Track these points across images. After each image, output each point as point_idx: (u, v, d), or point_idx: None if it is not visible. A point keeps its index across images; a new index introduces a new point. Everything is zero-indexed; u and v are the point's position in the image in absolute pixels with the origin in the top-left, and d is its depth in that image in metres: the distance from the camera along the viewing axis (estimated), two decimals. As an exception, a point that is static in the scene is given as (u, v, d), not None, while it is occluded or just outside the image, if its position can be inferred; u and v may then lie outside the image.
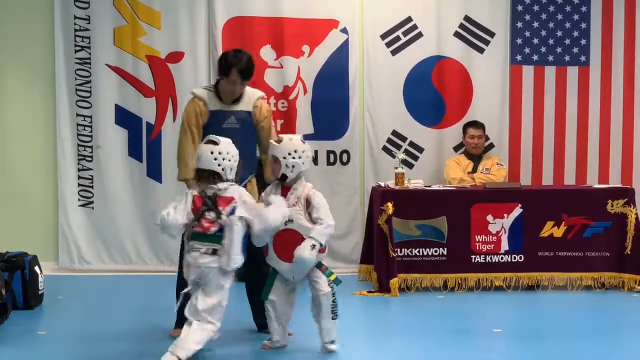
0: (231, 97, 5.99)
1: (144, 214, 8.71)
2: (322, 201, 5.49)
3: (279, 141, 5.52)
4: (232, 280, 5.30)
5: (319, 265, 5.52)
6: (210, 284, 5.21)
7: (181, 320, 5.42)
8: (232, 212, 5.21)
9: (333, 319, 5.53)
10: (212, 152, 5.27)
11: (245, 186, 5.94)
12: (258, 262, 5.76)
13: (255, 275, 5.94)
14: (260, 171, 6.22)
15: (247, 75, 5.95)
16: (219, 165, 5.26)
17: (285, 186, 5.52)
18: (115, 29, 8.63)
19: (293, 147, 5.46)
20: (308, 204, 5.45)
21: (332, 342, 5.56)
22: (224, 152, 5.28)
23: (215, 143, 5.30)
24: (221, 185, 5.27)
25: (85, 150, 8.66)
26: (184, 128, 6.00)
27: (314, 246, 5.36)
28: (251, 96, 6.09)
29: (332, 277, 5.53)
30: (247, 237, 5.38)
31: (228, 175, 5.30)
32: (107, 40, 8.61)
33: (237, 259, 5.23)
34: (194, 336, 5.13)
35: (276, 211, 5.30)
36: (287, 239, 5.42)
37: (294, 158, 5.44)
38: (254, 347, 5.73)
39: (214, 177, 5.28)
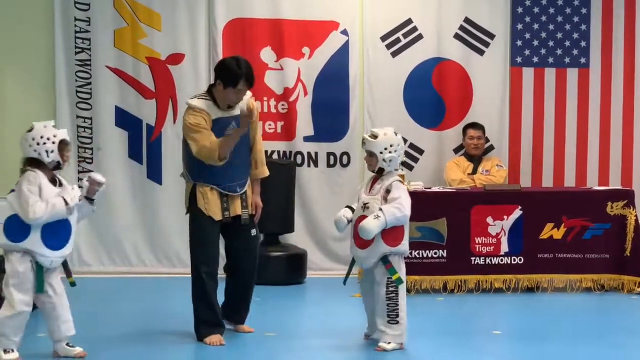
0: (231, 104, 5.85)
1: (144, 215, 8.70)
2: (403, 194, 5.55)
3: (374, 136, 5.59)
4: (21, 262, 5.23)
5: (385, 261, 5.55)
6: None
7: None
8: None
9: (389, 322, 5.57)
10: (26, 140, 5.29)
11: (245, 190, 5.95)
12: (247, 258, 5.95)
13: (241, 267, 6.02)
14: None
15: (253, 82, 5.86)
16: (34, 150, 5.26)
17: (377, 177, 5.68)
18: (116, 30, 8.64)
19: (389, 141, 5.56)
20: (388, 192, 5.54)
21: (388, 343, 5.59)
22: (37, 137, 5.25)
23: (29, 130, 5.30)
24: (23, 169, 5.36)
25: (85, 152, 8.66)
26: (191, 129, 5.75)
27: (377, 217, 5.42)
28: (244, 97, 5.97)
29: (395, 277, 5.53)
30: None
31: (46, 159, 5.25)
32: (107, 42, 8.62)
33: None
34: None
35: (38, 200, 5.21)
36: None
37: (390, 152, 5.56)
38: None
39: (36, 163, 5.29)
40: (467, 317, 6.97)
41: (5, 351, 5.25)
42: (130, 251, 8.70)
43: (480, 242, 7.72)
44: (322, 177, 8.73)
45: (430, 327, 6.47)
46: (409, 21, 8.83)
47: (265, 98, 8.68)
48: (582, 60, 8.90)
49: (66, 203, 5.21)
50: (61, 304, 5.41)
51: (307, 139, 8.76)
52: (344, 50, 8.78)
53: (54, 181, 5.34)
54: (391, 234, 5.51)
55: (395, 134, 5.65)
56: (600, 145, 8.94)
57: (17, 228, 5.21)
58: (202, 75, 8.64)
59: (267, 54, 8.69)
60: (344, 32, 8.77)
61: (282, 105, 8.72)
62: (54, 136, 5.26)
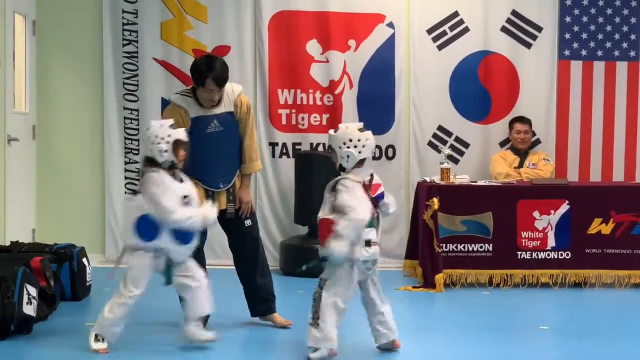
0: (210, 103, 5.86)
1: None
2: (346, 195, 5.09)
3: (336, 130, 5.28)
4: (146, 259, 5.36)
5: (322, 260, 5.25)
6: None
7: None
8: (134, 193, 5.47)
9: (310, 324, 5.17)
10: (143, 140, 5.58)
11: (233, 185, 5.99)
12: (245, 247, 6.01)
13: (244, 254, 6.08)
14: None
15: (223, 82, 5.80)
16: (150, 150, 5.35)
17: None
18: (163, 22, 8.68)
19: (348, 136, 5.18)
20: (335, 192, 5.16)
21: (313, 350, 5.16)
22: (152, 137, 5.32)
23: (148, 129, 5.41)
24: (144, 170, 5.45)
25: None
26: None
27: (339, 237, 5.02)
28: (230, 95, 5.96)
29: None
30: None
31: (160, 159, 5.30)
32: (154, 34, 8.67)
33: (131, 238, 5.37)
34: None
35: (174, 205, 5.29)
36: (320, 225, 5.27)
37: (348, 147, 5.16)
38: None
39: (153, 162, 5.37)
40: (514, 312, 6.93)
41: (96, 337, 5.34)
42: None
43: (526, 236, 7.67)
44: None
45: (476, 321, 6.45)
46: (456, 14, 8.78)
47: (310, 90, 8.68)
48: (632, 53, 8.80)
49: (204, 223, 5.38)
50: (201, 288, 5.52)
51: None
52: (389, 43, 8.76)
53: (174, 178, 5.40)
54: (324, 233, 5.14)
55: (361, 130, 5.21)
56: (650, 139, 8.86)
57: (149, 228, 5.31)
58: (248, 67, 8.66)
59: (313, 47, 8.69)
60: (390, 25, 8.75)
61: (328, 97, 8.72)
62: (168, 136, 5.32)
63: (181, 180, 5.42)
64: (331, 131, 5.28)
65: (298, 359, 5.28)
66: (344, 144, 5.18)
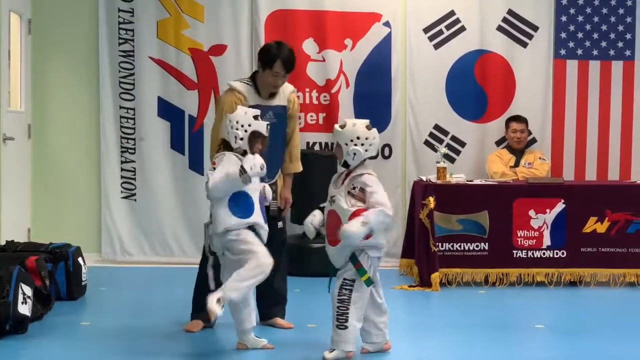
0: (272, 90, 5.88)
1: (186, 206, 8.75)
2: (380, 190, 5.09)
3: (343, 126, 5.19)
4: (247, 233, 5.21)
5: (354, 260, 5.09)
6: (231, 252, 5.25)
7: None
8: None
9: (338, 327, 5.09)
10: (226, 121, 5.31)
11: (276, 181, 5.94)
12: (272, 249, 5.73)
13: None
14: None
15: (290, 67, 5.84)
16: (227, 133, 5.27)
17: (349, 171, 5.21)
18: (159, 21, 8.68)
19: (355, 133, 5.11)
20: (353, 187, 5.08)
21: (331, 351, 5.14)
22: (233, 121, 5.25)
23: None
24: (217, 153, 5.34)
25: (128, 142, 8.72)
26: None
27: (364, 223, 4.92)
28: (285, 90, 6.00)
29: (364, 278, 5.07)
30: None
31: (234, 144, 5.24)
32: (150, 33, 8.66)
33: (223, 220, 5.18)
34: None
35: (220, 170, 5.16)
36: (329, 221, 5.19)
37: (355, 145, 5.10)
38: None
39: (228, 145, 5.29)
40: (509, 311, 6.94)
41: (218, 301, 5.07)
42: (172, 241, 8.75)
43: (522, 235, 7.68)
44: (364, 168, 8.70)
45: (472, 320, 6.45)
46: (452, 13, 8.78)
47: (307, 89, 8.69)
48: (628, 53, 8.80)
49: (243, 171, 5.08)
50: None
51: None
52: (386, 42, 8.76)
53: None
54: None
55: (368, 128, 5.18)
56: (645, 138, 8.86)
57: (244, 204, 5.23)
58: (245, 67, 8.66)
59: (309, 46, 8.69)
60: (387, 24, 8.75)
61: (324, 96, 8.72)
62: (249, 125, 5.25)
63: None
64: (337, 126, 5.23)
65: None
66: (351, 141, 5.11)
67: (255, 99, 5.85)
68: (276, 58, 5.78)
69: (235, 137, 5.24)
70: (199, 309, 5.74)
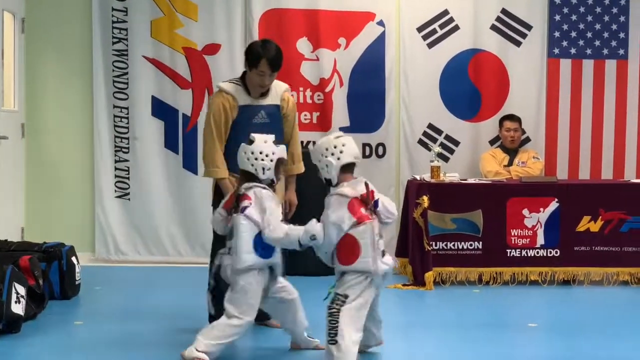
0: (260, 90, 5.79)
1: (180, 205, 8.74)
2: (327, 211, 4.97)
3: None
4: (258, 278, 5.12)
5: (338, 278, 5.00)
6: (232, 282, 5.15)
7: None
8: (243, 210, 5.08)
9: (329, 342, 4.86)
10: (245, 152, 5.15)
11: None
12: None
13: None
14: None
15: (276, 66, 5.73)
16: (252, 165, 5.13)
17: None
18: (153, 21, 8.67)
19: (324, 146, 5.01)
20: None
21: None
22: (257, 152, 5.12)
23: (250, 142, 5.17)
24: (247, 184, 5.16)
25: (122, 141, 8.71)
26: (210, 124, 5.74)
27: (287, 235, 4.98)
28: (278, 89, 5.90)
29: (329, 290, 4.99)
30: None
31: (261, 175, 5.13)
32: (144, 32, 8.66)
33: (245, 258, 5.05)
34: (216, 331, 5.08)
35: (278, 225, 5.04)
36: None
37: (326, 157, 4.97)
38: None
39: (250, 176, 5.17)
40: (503, 310, 6.95)
41: (197, 351, 5.06)
42: (166, 241, 8.74)
43: (516, 234, 7.69)
44: (358, 167, 8.64)
45: (466, 319, 6.46)
46: (446, 12, 8.79)
47: (301, 88, 8.68)
48: (621, 51, 8.81)
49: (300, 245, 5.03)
50: (294, 300, 5.38)
51: (342, 129, 8.70)
52: (380, 41, 8.76)
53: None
54: (343, 250, 4.91)
55: (337, 137, 5.03)
56: (639, 137, 8.85)
57: (264, 243, 5.10)
58: (238, 66, 8.61)
59: (303, 45, 8.69)
60: (380, 23, 8.75)
61: (318, 95, 8.72)
62: (273, 153, 5.15)
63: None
64: (310, 146, 5.14)
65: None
66: (322, 155, 5.00)
67: (245, 98, 5.77)
68: (261, 57, 5.68)
69: (263, 168, 5.13)
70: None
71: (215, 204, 5.80)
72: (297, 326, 5.42)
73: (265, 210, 5.05)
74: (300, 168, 6.04)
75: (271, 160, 5.15)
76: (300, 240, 4.96)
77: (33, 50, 8.65)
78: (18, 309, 5.74)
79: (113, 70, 8.66)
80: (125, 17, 8.64)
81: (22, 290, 5.83)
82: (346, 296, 4.88)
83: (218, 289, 5.31)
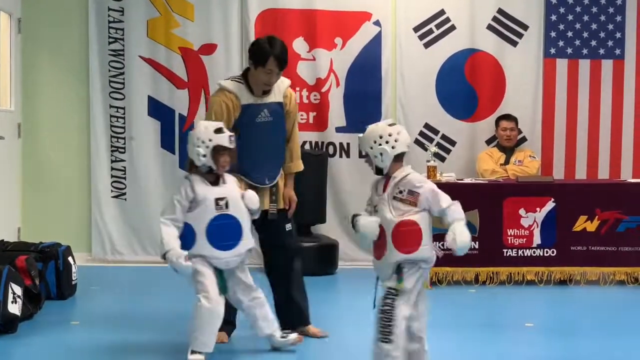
0: (265, 88, 5.56)
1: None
2: (431, 186, 4.64)
3: (364, 132, 4.74)
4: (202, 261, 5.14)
5: (398, 271, 4.57)
6: None
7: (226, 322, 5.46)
8: None
9: (382, 340, 4.53)
10: (189, 139, 5.20)
11: (276, 184, 5.70)
12: (282, 254, 5.73)
13: (277, 265, 5.79)
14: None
15: (284, 64, 5.53)
16: (191, 152, 5.15)
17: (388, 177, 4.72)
18: (149, 20, 8.67)
19: (377, 133, 4.63)
20: (400, 192, 4.60)
21: None
22: (194, 138, 5.13)
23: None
24: (186, 174, 5.26)
25: (118, 141, 8.71)
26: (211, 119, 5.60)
27: (462, 223, 4.63)
28: (280, 85, 5.67)
29: (400, 286, 4.55)
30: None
31: (197, 162, 5.12)
32: (140, 32, 8.66)
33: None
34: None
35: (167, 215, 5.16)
36: None
37: (380, 145, 4.60)
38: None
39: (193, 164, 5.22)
40: (499, 309, 6.95)
41: (192, 352, 5.10)
42: (162, 241, 8.72)
43: (512, 234, 7.69)
44: (354, 167, 8.72)
45: (462, 318, 6.46)
46: (442, 12, 8.79)
47: (297, 88, 8.66)
48: (617, 51, 8.82)
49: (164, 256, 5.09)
50: (254, 304, 5.32)
51: (339, 129, 8.76)
52: (376, 41, 8.76)
53: (217, 182, 5.20)
54: (401, 237, 4.56)
55: (391, 125, 4.70)
56: (635, 137, 8.86)
57: (186, 234, 5.14)
58: (235, 65, 8.65)
59: (299, 45, 8.69)
60: (377, 23, 8.75)
61: (315, 95, 8.72)
62: (210, 140, 5.09)
63: (224, 183, 5.21)
64: (359, 135, 4.80)
65: None
66: (375, 142, 4.62)
67: (248, 97, 5.56)
68: (269, 55, 5.46)
69: (198, 154, 5.10)
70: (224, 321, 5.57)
71: None
72: (262, 329, 5.37)
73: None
74: (299, 166, 5.85)
75: (207, 147, 5.09)
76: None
77: (29, 50, 8.64)
78: (14, 309, 5.73)
79: (109, 70, 8.66)
80: (122, 17, 8.64)
81: (18, 290, 5.83)
82: (398, 290, 4.57)
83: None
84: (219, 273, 5.19)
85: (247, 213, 5.23)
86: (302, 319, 5.79)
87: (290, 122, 5.77)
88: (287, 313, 5.74)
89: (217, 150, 5.10)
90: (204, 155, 5.09)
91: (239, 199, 5.21)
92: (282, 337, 5.40)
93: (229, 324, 5.61)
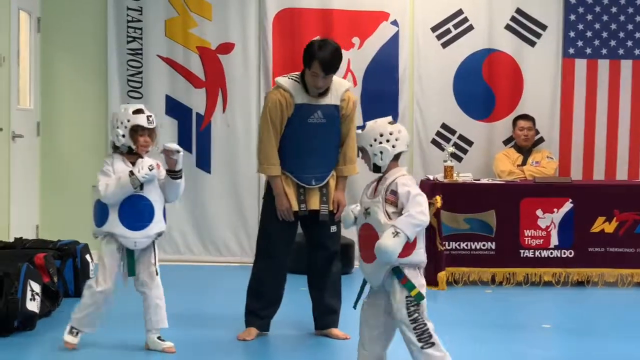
0: (317, 90, 5.52)
1: (192, 204, 8.75)
2: (413, 190, 4.46)
3: (364, 128, 4.68)
4: (108, 247, 5.31)
5: (399, 275, 4.43)
6: None
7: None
8: None
9: (424, 347, 4.42)
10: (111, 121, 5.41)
11: (328, 183, 5.66)
12: (322, 255, 5.73)
13: (316, 265, 5.80)
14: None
15: (330, 69, 5.45)
16: (112, 133, 5.30)
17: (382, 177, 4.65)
18: (167, 20, 8.69)
19: (378, 131, 4.57)
20: (394, 194, 4.49)
21: None
22: (114, 120, 5.27)
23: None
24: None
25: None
26: (266, 120, 5.57)
27: (397, 234, 4.32)
28: (339, 88, 5.63)
29: (414, 292, 4.41)
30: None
31: (117, 143, 5.25)
32: (158, 32, 8.68)
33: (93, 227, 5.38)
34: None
35: (102, 183, 5.26)
36: (364, 234, 4.57)
37: (380, 143, 4.54)
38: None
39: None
40: (516, 310, 6.94)
41: (70, 331, 5.34)
42: (178, 239, 8.76)
43: (529, 234, 7.67)
44: (371, 167, 8.71)
45: (478, 319, 6.45)
46: (460, 12, 8.77)
47: (351, 87, 8.65)
48: (637, 52, 8.77)
49: (131, 174, 5.16)
50: (152, 295, 5.41)
51: (356, 128, 8.75)
52: (394, 41, 8.75)
53: (134, 163, 5.29)
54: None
55: (391, 123, 4.62)
56: (654, 138, 8.84)
57: (99, 212, 5.31)
58: (252, 65, 8.67)
59: (317, 44, 8.68)
60: (394, 23, 8.74)
61: (332, 95, 8.72)
62: (128, 121, 5.20)
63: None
64: (358, 131, 4.76)
65: None
66: (375, 140, 4.56)
67: (303, 97, 5.53)
68: (314, 58, 5.43)
69: (117, 135, 5.23)
70: (253, 315, 5.73)
71: (265, 199, 5.78)
72: (147, 321, 5.44)
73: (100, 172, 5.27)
74: (352, 170, 5.74)
75: (125, 127, 5.19)
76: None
77: (48, 49, 8.68)
78: (33, 306, 5.76)
79: (127, 69, 8.69)
80: (140, 17, 8.66)
81: (37, 287, 5.85)
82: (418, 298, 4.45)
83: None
84: (130, 253, 5.34)
85: (161, 196, 5.39)
86: (331, 322, 5.83)
87: (347, 126, 5.69)
88: (318, 314, 5.84)
89: (135, 130, 5.21)
90: (123, 136, 5.21)
91: (156, 181, 5.34)
92: (159, 338, 5.44)
93: (262, 319, 5.76)
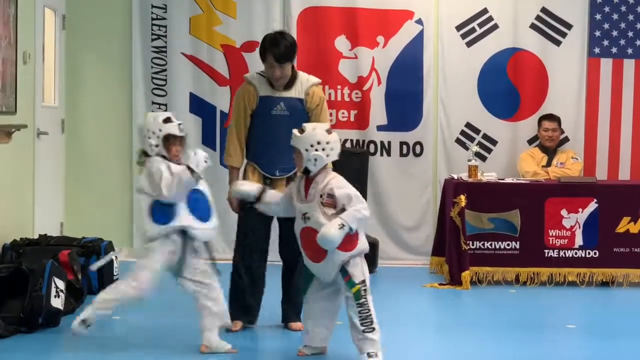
0: (277, 82, 5.75)
1: (216, 201, 8.74)
2: (348, 191, 4.94)
3: (302, 131, 5.00)
4: (162, 248, 5.22)
5: (344, 273, 4.94)
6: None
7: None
8: None
9: (365, 332, 4.95)
10: (140, 131, 5.39)
11: (293, 178, 5.67)
12: (292, 244, 5.65)
13: (290, 254, 5.81)
14: None
15: (282, 59, 5.65)
16: (143, 143, 5.24)
17: (309, 179, 5.03)
18: (191, 18, 8.71)
19: (316, 138, 4.94)
20: (330, 197, 4.93)
21: (369, 355, 4.96)
22: (144, 130, 5.21)
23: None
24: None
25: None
26: (233, 113, 5.95)
27: (342, 226, 4.80)
28: (305, 83, 5.83)
29: (354, 290, 4.93)
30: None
31: (150, 152, 5.18)
32: (183, 29, 8.70)
33: (147, 228, 5.21)
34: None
35: (165, 180, 5.14)
36: (307, 237, 5.01)
37: (316, 150, 4.92)
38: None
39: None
40: (541, 310, 6.91)
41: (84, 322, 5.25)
42: (202, 238, 8.77)
43: (554, 234, 7.64)
44: (395, 166, 8.71)
45: (502, 319, 6.43)
46: (485, 11, 8.74)
47: (339, 86, 8.68)
48: (662, 51, 8.74)
49: (192, 171, 5.12)
50: (205, 294, 5.34)
51: (380, 128, 8.75)
52: (418, 40, 8.74)
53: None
54: (344, 238, 4.87)
55: (329, 132, 5.00)
56: (679, 137, 8.78)
57: (159, 212, 5.19)
58: (276, 63, 8.66)
59: (341, 43, 8.69)
60: (419, 22, 8.73)
61: (356, 93, 8.72)
62: (159, 130, 5.16)
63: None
64: (296, 131, 5.03)
65: None
66: (312, 146, 4.94)
67: (267, 90, 5.78)
68: (266, 50, 5.71)
69: (150, 145, 5.18)
70: (238, 310, 5.82)
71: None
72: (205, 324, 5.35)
73: (152, 175, 5.14)
74: None
75: (158, 137, 5.16)
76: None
77: (73, 47, 8.71)
78: (57, 303, 5.79)
79: (152, 67, 8.72)
80: (165, 14, 8.69)
81: (61, 284, 5.88)
82: (363, 281, 4.99)
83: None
84: (180, 259, 5.27)
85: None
86: (290, 315, 5.96)
87: (314, 120, 5.75)
88: (285, 307, 5.98)
89: (167, 139, 5.19)
90: (157, 145, 5.18)
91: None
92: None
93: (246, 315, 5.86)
